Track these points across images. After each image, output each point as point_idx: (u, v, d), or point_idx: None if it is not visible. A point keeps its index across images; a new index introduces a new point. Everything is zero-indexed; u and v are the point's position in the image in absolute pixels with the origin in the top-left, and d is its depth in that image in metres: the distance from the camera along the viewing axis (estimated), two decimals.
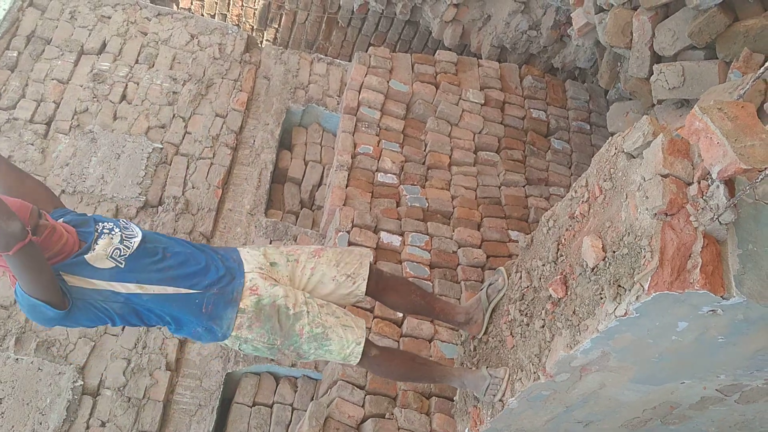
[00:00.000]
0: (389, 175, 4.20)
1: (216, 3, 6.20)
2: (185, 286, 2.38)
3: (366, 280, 2.68)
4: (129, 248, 2.35)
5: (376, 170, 4.20)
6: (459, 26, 5.30)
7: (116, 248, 2.33)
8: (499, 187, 4.32)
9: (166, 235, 2.62)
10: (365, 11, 5.73)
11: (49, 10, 4.48)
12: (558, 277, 2.30)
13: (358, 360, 2.56)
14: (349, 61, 5.37)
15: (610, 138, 2.34)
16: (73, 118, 4.07)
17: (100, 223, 2.40)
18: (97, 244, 2.31)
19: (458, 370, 2.84)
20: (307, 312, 2.50)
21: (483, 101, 4.61)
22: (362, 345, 2.54)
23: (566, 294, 2.26)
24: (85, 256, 2.27)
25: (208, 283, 2.41)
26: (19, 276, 2.14)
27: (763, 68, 2.03)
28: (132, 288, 2.32)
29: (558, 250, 2.46)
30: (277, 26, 6.31)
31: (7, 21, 4.32)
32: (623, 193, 2.13)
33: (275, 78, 4.69)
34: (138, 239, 2.39)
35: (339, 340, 2.52)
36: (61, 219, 2.37)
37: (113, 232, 2.37)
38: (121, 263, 2.31)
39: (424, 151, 4.39)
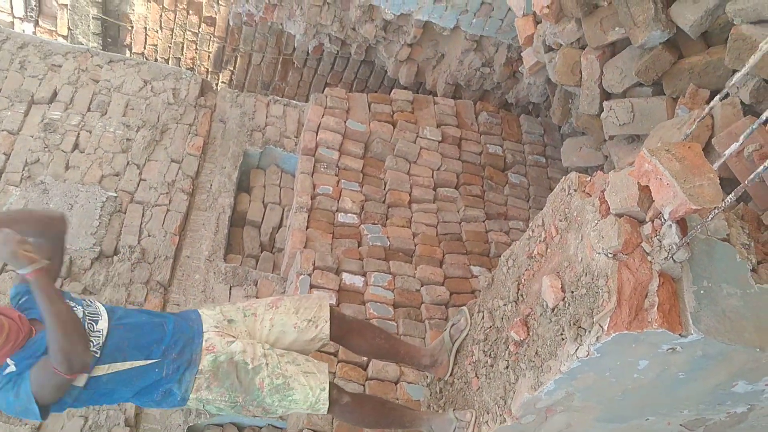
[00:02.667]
0: (349, 215, 4.19)
1: (170, 47, 6.17)
2: (142, 357, 2.33)
3: (328, 322, 2.66)
4: (99, 336, 2.28)
5: (337, 210, 4.18)
6: (414, 65, 5.37)
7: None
8: (460, 223, 4.34)
9: (116, 306, 2.57)
10: (320, 52, 5.76)
11: None
12: (518, 318, 2.30)
13: (327, 408, 2.51)
14: (306, 101, 5.38)
15: (563, 177, 2.37)
16: (23, 170, 3.97)
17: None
18: None
19: (426, 414, 2.81)
20: (267, 364, 2.46)
21: (440, 138, 4.66)
22: (326, 391, 2.50)
23: (528, 335, 2.26)
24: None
25: (164, 348, 2.36)
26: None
27: (708, 107, 2.09)
28: (103, 370, 2.28)
29: (518, 290, 2.46)
30: (232, 68, 6.30)
31: None
32: (579, 232, 2.15)
33: (231, 121, 4.66)
34: (104, 324, 2.32)
35: (302, 389, 2.48)
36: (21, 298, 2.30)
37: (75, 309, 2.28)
38: (97, 352, 2.26)
39: (384, 189, 4.40)
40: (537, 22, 3.66)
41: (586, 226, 2.08)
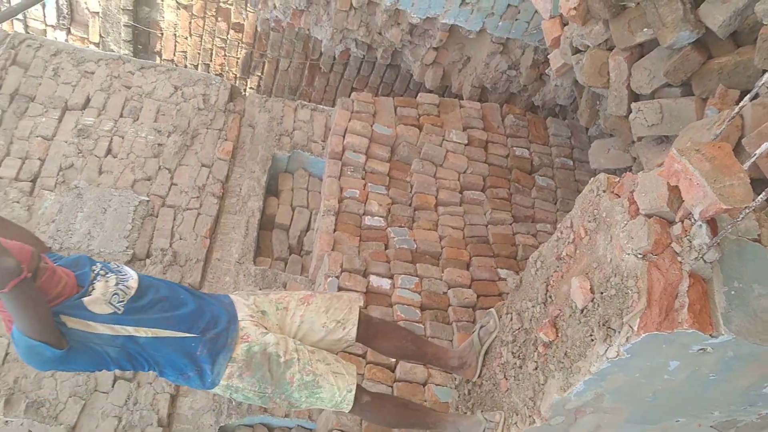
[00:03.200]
0: (376, 218, 4.22)
1: (199, 54, 6.27)
2: (182, 329, 2.38)
3: (356, 326, 2.68)
4: (126, 293, 2.35)
5: (363, 214, 4.21)
6: (439, 68, 5.39)
7: (114, 293, 2.32)
8: (486, 226, 4.35)
9: (158, 278, 2.62)
10: (347, 57, 5.81)
11: (32, 67, 4.50)
12: (547, 320, 2.31)
13: (351, 407, 2.54)
14: (333, 106, 5.43)
15: (592, 178, 2.37)
16: (58, 175, 4.07)
17: (94, 265, 2.40)
18: (93, 287, 2.31)
19: (452, 416, 2.82)
20: (298, 359, 2.49)
21: (466, 141, 4.67)
22: (353, 392, 2.53)
23: (557, 336, 2.27)
24: (84, 300, 2.26)
25: (203, 326, 2.41)
26: (16, 315, 2.13)
27: (738, 107, 2.08)
28: (130, 331, 2.32)
29: (547, 291, 2.46)
30: (260, 74, 6.38)
31: None
32: (608, 233, 2.15)
33: (260, 126, 4.72)
34: (134, 283, 2.39)
35: (330, 388, 2.51)
36: (56, 263, 2.36)
37: (108, 276, 2.37)
38: (120, 309, 2.31)
39: (410, 192, 4.42)
40: (564, 24, 3.65)
41: (615, 227, 2.08)
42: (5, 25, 5.65)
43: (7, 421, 3.23)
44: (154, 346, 2.36)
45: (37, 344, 2.17)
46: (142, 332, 2.33)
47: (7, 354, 3.39)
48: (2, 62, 4.44)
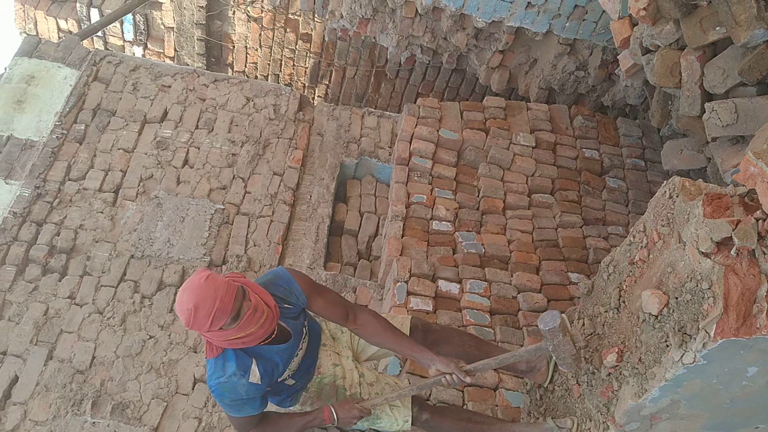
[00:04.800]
0: (444, 222, 4.24)
1: (268, 64, 6.44)
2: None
3: (408, 330, 2.81)
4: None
5: (431, 218, 4.25)
6: (505, 71, 5.37)
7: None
8: (556, 229, 4.31)
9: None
10: (412, 63, 5.86)
11: (113, 83, 4.73)
12: (616, 348, 2.32)
13: (410, 427, 2.76)
14: (399, 112, 5.49)
15: (665, 181, 2.34)
16: (139, 185, 4.26)
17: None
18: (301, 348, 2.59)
19: (519, 426, 2.83)
20: (359, 393, 2.71)
21: (534, 144, 4.64)
22: (410, 422, 2.74)
23: (621, 360, 2.28)
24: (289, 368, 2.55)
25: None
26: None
27: None
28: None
29: (620, 296, 2.44)
30: (327, 83, 6.50)
31: (74, 96, 4.58)
32: (682, 237, 2.12)
33: (328, 134, 4.82)
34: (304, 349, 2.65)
35: (388, 419, 2.75)
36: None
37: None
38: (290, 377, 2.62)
39: (478, 196, 4.43)
40: (633, 24, 3.60)
41: (690, 230, 2.05)
42: (86, 43, 5.95)
43: (94, 423, 3.40)
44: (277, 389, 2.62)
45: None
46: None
47: (93, 358, 3.58)
48: (85, 78, 4.68)
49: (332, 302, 2.56)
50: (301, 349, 2.54)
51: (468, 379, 2.44)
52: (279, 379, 2.50)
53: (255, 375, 2.36)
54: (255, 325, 2.25)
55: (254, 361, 2.37)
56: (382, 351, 2.84)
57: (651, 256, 2.30)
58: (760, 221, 1.89)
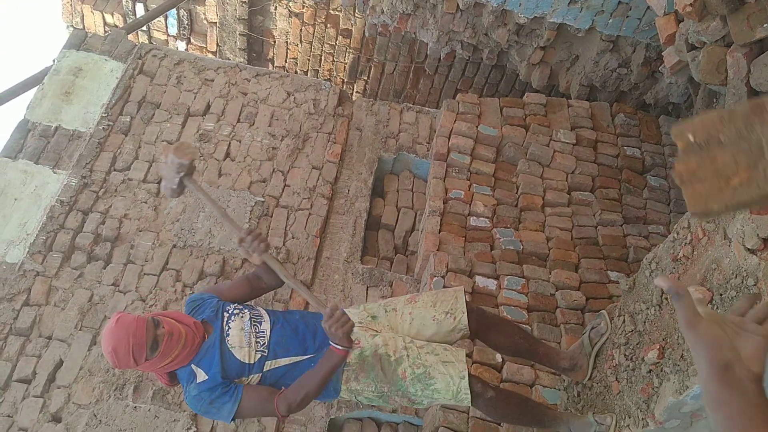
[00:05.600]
0: (482, 218, 4.23)
1: (308, 60, 6.49)
2: (300, 352, 2.54)
3: (465, 313, 2.73)
4: (264, 336, 2.53)
5: (469, 214, 4.24)
6: (546, 68, 5.33)
7: (256, 338, 2.52)
8: (596, 227, 4.27)
9: (271, 309, 2.84)
10: (452, 59, 5.85)
11: (157, 76, 4.83)
12: (658, 345, 2.28)
13: (470, 399, 2.58)
14: (437, 107, 5.48)
15: None
16: None
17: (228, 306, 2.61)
18: (229, 327, 2.51)
19: (565, 415, 2.81)
20: (407, 355, 2.59)
21: (574, 141, 4.60)
22: (466, 379, 2.57)
23: (663, 357, 2.24)
24: (229, 346, 2.47)
25: (318, 343, 2.54)
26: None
27: None
28: (269, 365, 2.52)
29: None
30: (366, 78, 6.52)
31: (120, 88, 4.68)
32: (727, 233, 2.09)
33: (367, 129, 4.85)
34: (267, 325, 2.57)
35: (442, 377, 2.56)
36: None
37: (242, 313, 2.57)
38: (265, 351, 2.51)
39: (516, 193, 4.41)
40: (679, 20, 3.54)
41: (735, 226, 2.02)
42: (131, 37, 6.07)
43: (135, 407, 3.48)
44: (279, 373, 2.54)
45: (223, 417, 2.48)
46: (268, 366, 2.51)
47: None
48: (130, 71, 4.78)
49: (228, 284, 2.72)
50: (242, 329, 2.49)
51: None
52: (268, 365, 2.50)
53: (201, 375, 2.43)
54: (177, 347, 2.37)
55: (192, 365, 2.45)
56: (440, 334, 2.72)
57: (695, 252, 2.27)
58: None
